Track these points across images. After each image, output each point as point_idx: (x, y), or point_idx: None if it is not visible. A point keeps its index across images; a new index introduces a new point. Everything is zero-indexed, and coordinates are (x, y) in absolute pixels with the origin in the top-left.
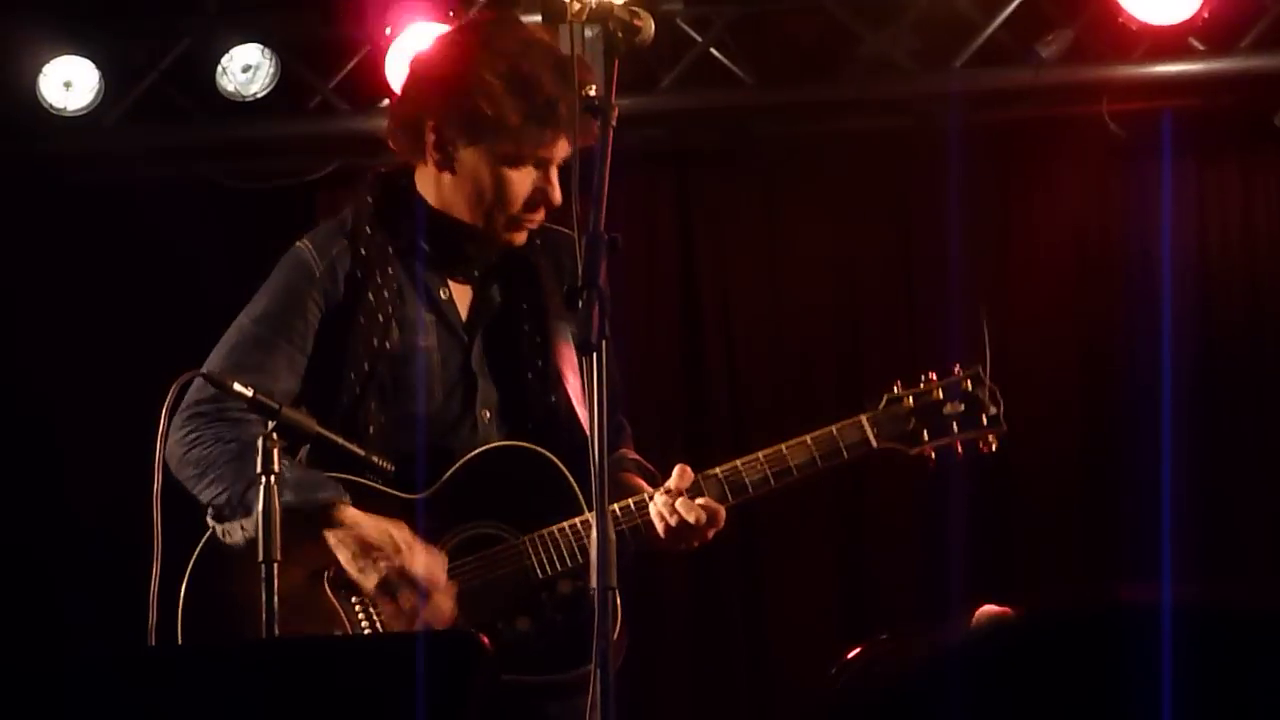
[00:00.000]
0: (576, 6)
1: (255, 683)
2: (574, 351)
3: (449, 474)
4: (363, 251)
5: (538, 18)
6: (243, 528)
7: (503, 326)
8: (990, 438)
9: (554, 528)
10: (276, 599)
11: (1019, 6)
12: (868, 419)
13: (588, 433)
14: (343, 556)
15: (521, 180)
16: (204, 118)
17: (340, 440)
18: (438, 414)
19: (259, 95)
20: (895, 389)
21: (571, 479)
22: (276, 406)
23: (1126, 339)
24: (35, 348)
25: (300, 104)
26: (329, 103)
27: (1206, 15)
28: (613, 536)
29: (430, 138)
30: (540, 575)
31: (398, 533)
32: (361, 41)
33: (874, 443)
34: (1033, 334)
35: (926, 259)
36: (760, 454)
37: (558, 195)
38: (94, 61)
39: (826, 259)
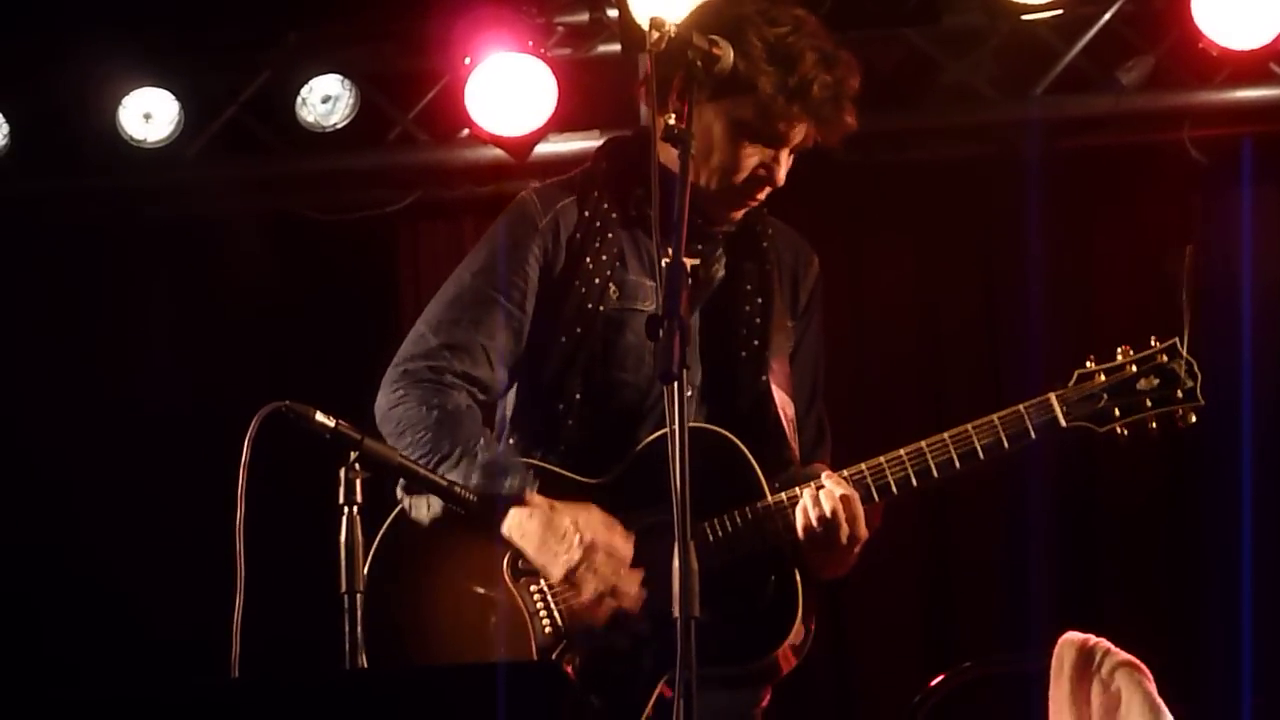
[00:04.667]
0: (655, 35)
1: (338, 715)
2: (787, 348)
3: (631, 457)
4: (586, 213)
5: (617, 46)
6: (429, 504)
7: (722, 304)
8: (1187, 413)
9: (735, 512)
10: (360, 628)
11: (1099, 33)
12: (1057, 397)
13: (784, 421)
14: (528, 547)
15: (751, 153)
16: (284, 149)
17: (423, 470)
18: (645, 385)
19: (339, 126)
20: (1088, 364)
21: (756, 466)
22: (359, 437)
23: (1208, 365)
24: (116, 378)
25: (380, 135)
26: (409, 133)
27: None
28: (694, 567)
29: (676, 85)
30: (720, 562)
31: (584, 518)
32: (441, 72)
33: (1063, 422)
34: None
35: (1008, 286)
36: (946, 434)
37: (782, 177)
38: (174, 93)
39: (908, 286)
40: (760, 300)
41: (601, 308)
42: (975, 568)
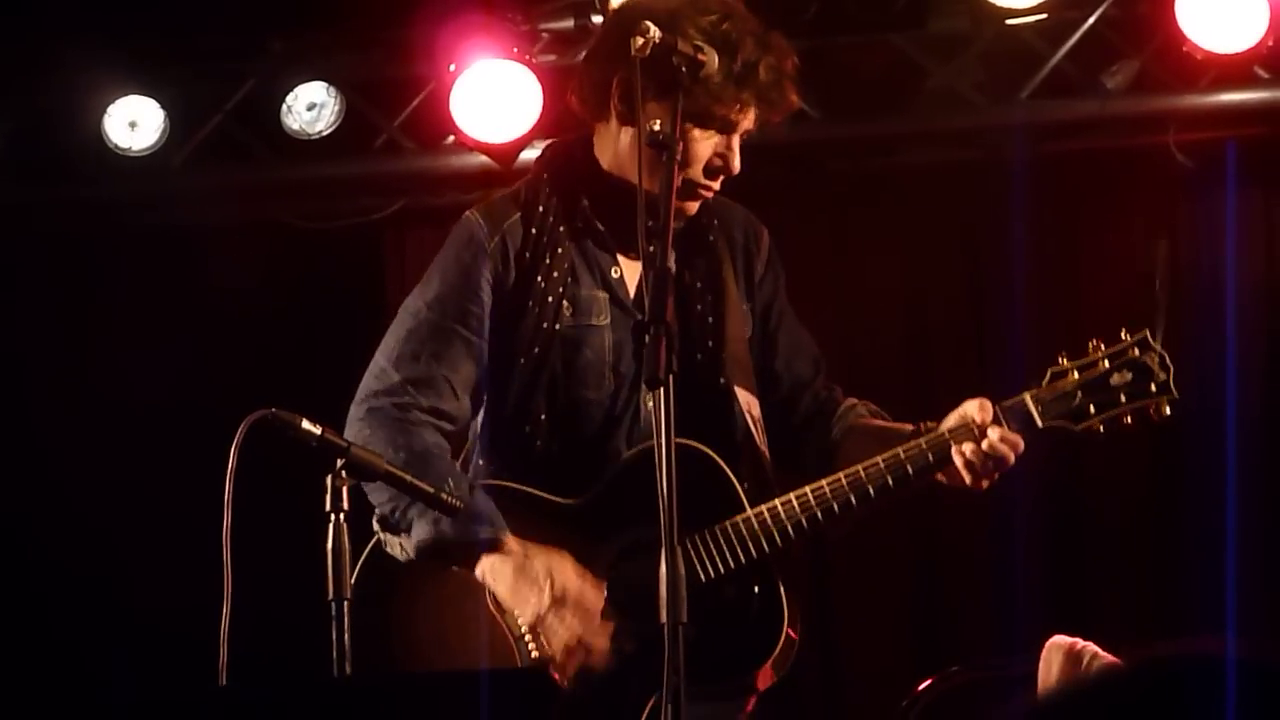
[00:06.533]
0: (640, 41)
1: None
2: (748, 329)
3: (607, 478)
4: (533, 230)
5: None
6: (402, 546)
7: (674, 307)
8: (1162, 405)
9: (715, 527)
10: (348, 637)
11: (1084, 37)
12: (1031, 397)
13: (750, 421)
14: (500, 589)
15: (704, 142)
16: (269, 157)
17: (409, 478)
18: (608, 400)
19: (324, 134)
20: (1060, 361)
21: (732, 475)
22: (345, 445)
23: (1192, 368)
24: (101, 387)
25: (365, 142)
26: (394, 141)
27: (1272, 43)
28: (681, 572)
29: (617, 90)
30: (704, 579)
31: (557, 566)
32: (426, 79)
33: (1039, 422)
34: None
35: (994, 291)
36: (922, 440)
37: (737, 163)
38: (159, 101)
39: (895, 292)
40: (711, 298)
41: (557, 326)
42: (962, 571)
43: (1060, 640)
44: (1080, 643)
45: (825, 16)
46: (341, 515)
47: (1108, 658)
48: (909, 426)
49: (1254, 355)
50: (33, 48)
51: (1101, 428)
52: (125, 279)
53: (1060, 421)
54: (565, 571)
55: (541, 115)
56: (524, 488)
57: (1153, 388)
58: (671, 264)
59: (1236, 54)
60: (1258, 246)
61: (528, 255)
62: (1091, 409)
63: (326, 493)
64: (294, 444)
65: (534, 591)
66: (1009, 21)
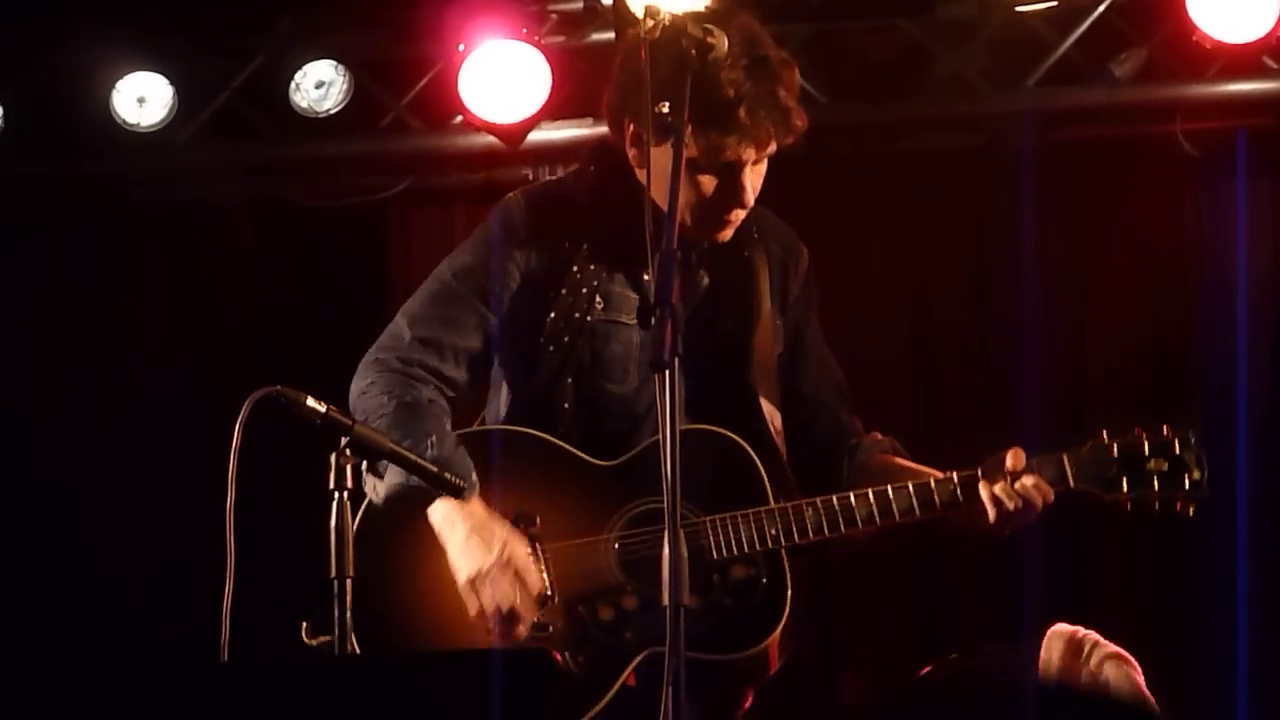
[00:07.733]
0: (650, 24)
1: (327, 699)
2: (779, 345)
3: (639, 448)
4: (574, 222)
5: (610, 34)
6: (374, 488)
7: (705, 315)
8: (1189, 503)
9: (736, 513)
10: (350, 612)
11: (1092, 25)
12: (1068, 457)
13: (773, 433)
14: (450, 542)
15: (707, 184)
16: (277, 135)
17: (412, 456)
18: (631, 395)
19: (332, 112)
20: (1103, 436)
21: (761, 467)
22: (350, 423)
23: (1201, 357)
24: (108, 362)
25: (373, 121)
26: (402, 120)
27: None
28: (684, 554)
29: (629, 132)
30: (714, 556)
31: (512, 539)
32: (434, 59)
33: (1071, 483)
34: (1107, 353)
35: (1000, 277)
36: (954, 474)
37: (748, 197)
38: (168, 77)
39: (900, 277)
40: (742, 311)
41: (589, 318)
42: (964, 560)
43: (1062, 628)
44: (1081, 631)
45: (833, 1)
46: (345, 493)
47: (1109, 646)
48: (938, 474)
49: (1263, 345)
50: (43, 23)
51: (1129, 505)
52: (131, 254)
53: (1091, 486)
54: (518, 548)
55: (549, 96)
56: (554, 440)
57: (1186, 484)
58: (704, 280)
59: (1245, 44)
60: (1266, 235)
61: (566, 245)
62: (1125, 484)
63: (330, 470)
64: (298, 421)
65: (482, 552)
66: (1018, 9)
